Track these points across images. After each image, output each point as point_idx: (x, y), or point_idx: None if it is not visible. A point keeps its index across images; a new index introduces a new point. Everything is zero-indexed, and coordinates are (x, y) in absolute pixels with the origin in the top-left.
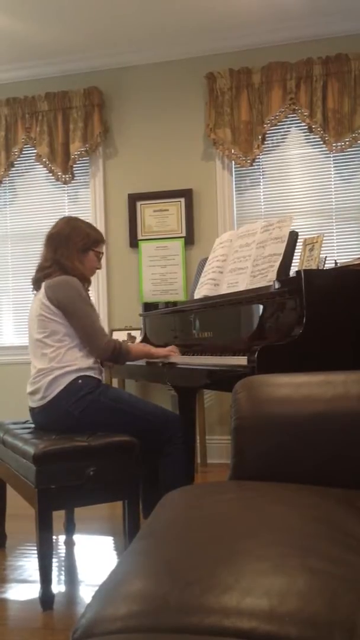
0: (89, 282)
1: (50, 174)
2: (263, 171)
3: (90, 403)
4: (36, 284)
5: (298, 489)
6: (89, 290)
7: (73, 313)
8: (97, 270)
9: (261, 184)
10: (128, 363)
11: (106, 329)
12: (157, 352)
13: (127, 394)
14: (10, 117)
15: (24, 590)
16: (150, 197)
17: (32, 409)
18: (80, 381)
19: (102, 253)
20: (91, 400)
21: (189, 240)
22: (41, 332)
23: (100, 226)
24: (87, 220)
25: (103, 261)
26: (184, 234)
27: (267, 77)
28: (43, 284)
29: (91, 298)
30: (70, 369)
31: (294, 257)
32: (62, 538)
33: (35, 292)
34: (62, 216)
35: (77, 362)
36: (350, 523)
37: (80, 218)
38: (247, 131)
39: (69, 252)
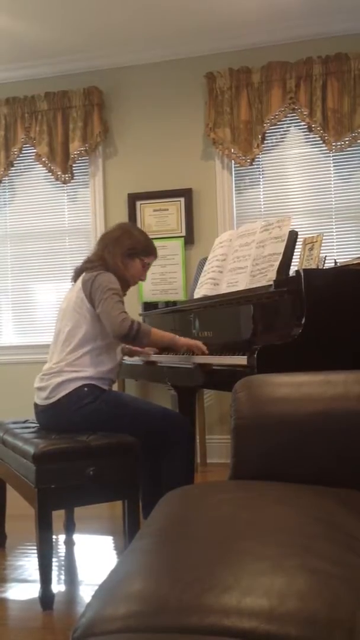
0: (127, 287)
1: (50, 174)
2: (263, 170)
3: (92, 412)
4: (77, 274)
5: (298, 489)
6: (125, 295)
7: (98, 299)
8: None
9: (261, 183)
10: (128, 362)
11: None
12: (182, 342)
13: (129, 398)
14: (9, 116)
15: (23, 590)
16: (150, 197)
17: (36, 405)
18: (86, 389)
19: (149, 264)
20: (93, 409)
21: (189, 239)
22: (67, 324)
23: (100, 226)
24: (87, 220)
25: None
26: (183, 234)
27: (266, 77)
28: (81, 277)
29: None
30: (79, 374)
31: (294, 257)
32: (62, 538)
33: (73, 282)
34: (61, 215)
35: (89, 369)
36: (350, 523)
37: (137, 226)
38: (246, 130)
39: (114, 252)
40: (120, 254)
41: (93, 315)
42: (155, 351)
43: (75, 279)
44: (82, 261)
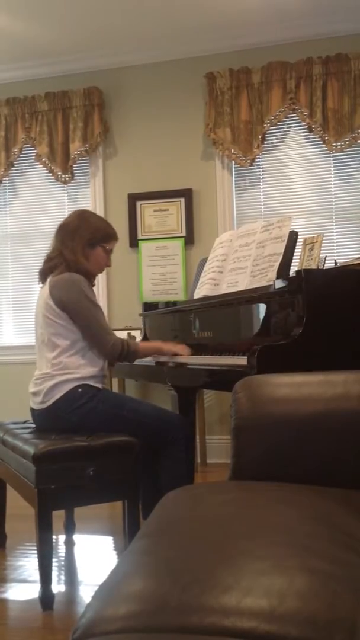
0: (93, 278)
1: (50, 174)
2: (263, 171)
3: (89, 411)
4: (42, 276)
5: (298, 489)
6: (93, 285)
7: (78, 314)
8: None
9: (261, 183)
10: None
11: None
12: (167, 348)
13: (127, 398)
14: (10, 117)
15: (24, 590)
16: (150, 197)
17: (32, 410)
18: (80, 390)
19: (112, 250)
20: (90, 408)
21: (189, 240)
22: (46, 333)
23: None
24: None
25: None
26: (183, 234)
27: (267, 77)
28: (48, 280)
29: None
30: (71, 376)
31: (294, 257)
32: (62, 538)
33: (40, 284)
34: (62, 215)
35: (80, 369)
36: (350, 523)
37: (95, 212)
38: (246, 131)
39: (74, 245)
40: (81, 246)
41: (68, 320)
42: None
43: (42, 279)
44: (42, 261)
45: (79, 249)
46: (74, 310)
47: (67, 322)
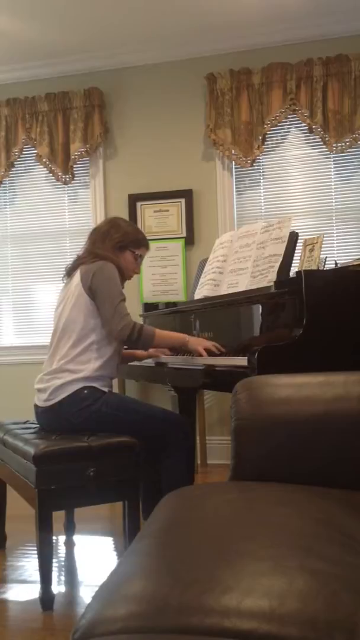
0: (123, 280)
1: (51, 175)
2: (263, 172)
3: (92, 414)
4: (69, 271)
5: (298, 489)
6: (122, 288)
7: (99, 294)
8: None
9: (261, 184)
10: (129, 362)
11: None
12: (195, 343)
13: (129, 400)
14: (10, 117)
15: (24, 590)
16: (151, 198)
17: (36, 406)
18: (85, 391)
19: (142, 257)
20: (93, 411)
21: (189, 240)
22: (66, 319)
23: None
24: (88, 220)
25: None
26: (184, 235)
27: (267, 78)
28: (78, 270)
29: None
30: (78, 376)
31: (294, 258)
32: (62, 538)
33: (65, 280)
34: (62, 216)
35: (89, 366)
36: (350, 524)
37: (125, 219)
38: (247, 132)
39: (105, 246)
40: (111, 247)
41: (90, 307)
42: (165, 352)
43: (68, 275)
44: (72, 260)
45: (109, 248)
46: (97, 291)
47: (89, 311)
